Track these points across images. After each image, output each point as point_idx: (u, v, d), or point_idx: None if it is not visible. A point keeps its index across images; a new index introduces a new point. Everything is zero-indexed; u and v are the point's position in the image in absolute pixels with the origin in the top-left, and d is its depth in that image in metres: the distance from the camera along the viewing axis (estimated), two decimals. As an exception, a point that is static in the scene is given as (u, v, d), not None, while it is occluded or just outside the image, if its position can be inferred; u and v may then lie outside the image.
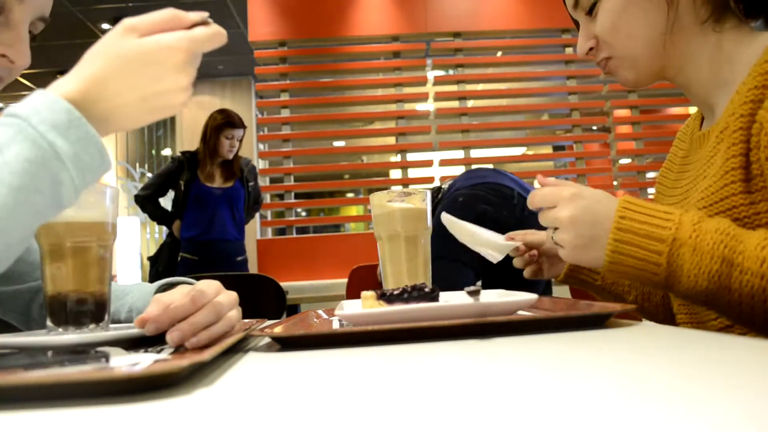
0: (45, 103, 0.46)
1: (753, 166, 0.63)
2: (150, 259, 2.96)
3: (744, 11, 0.72)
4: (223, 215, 2.85)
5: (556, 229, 0.67)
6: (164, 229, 2.97)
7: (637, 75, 0.78)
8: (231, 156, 2.82)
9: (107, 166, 0.50)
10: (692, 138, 0.82)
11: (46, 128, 0.45)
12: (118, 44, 0.50)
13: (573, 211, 0.65)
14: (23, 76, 6.51)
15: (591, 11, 0.77)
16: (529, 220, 1.53)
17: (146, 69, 0.50)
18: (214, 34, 0.53)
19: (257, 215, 3.34)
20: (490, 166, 1.83)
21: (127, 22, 0.50)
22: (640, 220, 0.61)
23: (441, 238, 1.58)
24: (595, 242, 0.64)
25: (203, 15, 0.53)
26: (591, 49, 0.79)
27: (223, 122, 2.77)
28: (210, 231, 2.82)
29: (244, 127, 2.85)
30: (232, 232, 2.89)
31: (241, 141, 2.86)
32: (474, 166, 3.75)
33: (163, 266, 2.80)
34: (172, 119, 7.03)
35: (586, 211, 0.65)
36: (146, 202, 2.83)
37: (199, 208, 2.80)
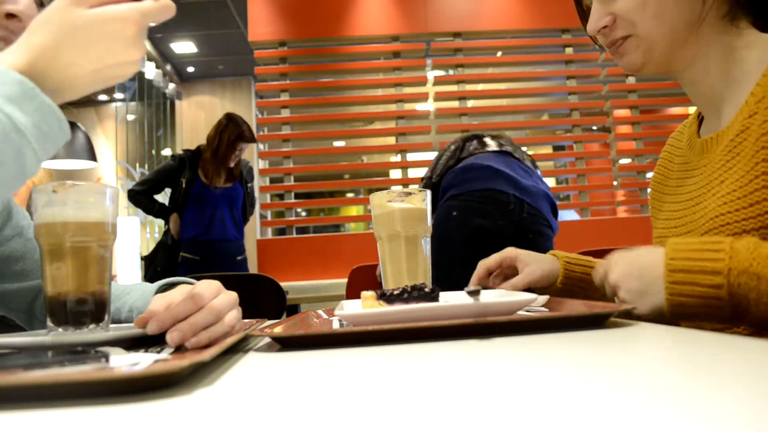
0: None
1: None
2: (145, 258, 2.96)
3: (756, 14, 0.71)
4: (223, 215, 2.86)
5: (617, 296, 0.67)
6: (164, 228, 2.98)
7: (647, 61, 0.75)
8: (233, 164, 2.86)
9: (66, 135, 0.51)
10: (691, 144, 0.80)
11: (1, 101, 0.45)
12: (66, 15, 0.49)
13: (619, 269, 0.65)
14: (23, 76, 6.49)
15: None
16: (528, 222, 1.52)
17: (97, 42, 0.49)
18: (163, 7, 0.53)
19: (257, 215, 3.35)
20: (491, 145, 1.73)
21: None
22: (691, 257, 0.58)
23: (438, 234, 1.56)
24: (649, 291, 0.62)
25: None
26: (604, 27, 0.75)
27: (238, 137, 2.80)
28: (210, 231, 2.83)
29: (255, 141, 2.89)
30: (232, 232, 2.90)
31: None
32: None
33: (161, 265, 2.81)
34: (173, 120, 7.03)
35: (631, 265, 0.64)
36: (140, 196, 2.83)
37: (199, 208, 2.82)
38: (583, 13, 0.82)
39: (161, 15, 0.53)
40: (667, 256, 0.60)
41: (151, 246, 3.70)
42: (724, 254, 0.56)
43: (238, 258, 2.95)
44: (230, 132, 2.81)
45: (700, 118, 0.82)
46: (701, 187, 0.74)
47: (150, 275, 2.85)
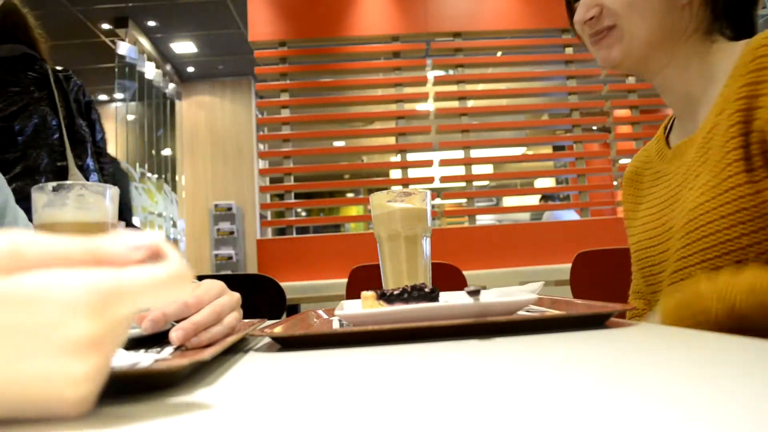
0: None
1: (755, 158, 0.66)
2: None
3: (732, 28, 0.78)
4: None
5: None
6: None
7: (625, 56, 0.79)
8: None
9: None
10: (661, 155, 0.86)
11: None
12: None
13: None
14: (23, 76, 6.50)
15: None
16: None
17: (3, 331, 0.25)
18: (160, 280, 0.28)
19: (257, 215, 3.29)
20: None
21: (11, 239, 0.27)
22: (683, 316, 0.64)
23: None
24: None
25: (153, 245, 0.29)
26: (591, 18, 0.80)
27: None
28: None
29: None
30: None
31: None
32: (474, 167, 3.77)
33: None
34: (173, 120, 7.03)
35: None
36: None
37: None
38: (571, 10, 0.87)
39: (167, 291, 0.28)
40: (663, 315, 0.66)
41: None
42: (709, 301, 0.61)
43: None
44: None
45: (667, 133, 0.88)
46: (676, 187, 0.79)
47: None
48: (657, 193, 0.84)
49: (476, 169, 3.84)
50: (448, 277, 1.97)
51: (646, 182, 0.89)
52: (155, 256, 0.29)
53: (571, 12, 0.87)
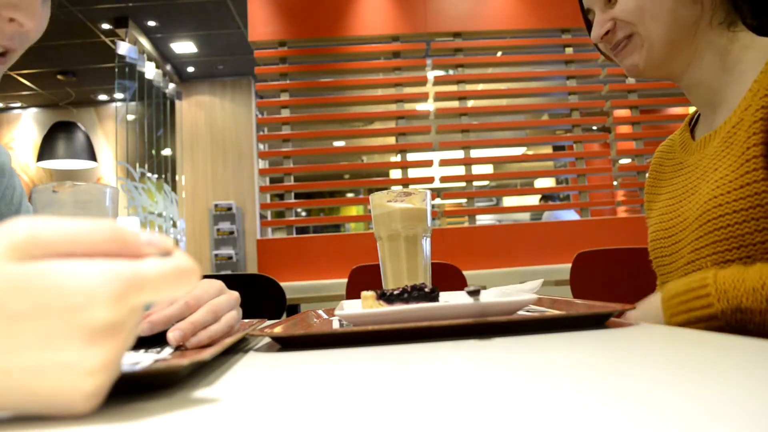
0: None
1: None
2: None
3: (753, 15, 0.76)
4: None
5: None
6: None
7: (648, 61, 0.80)
8: None
9: None
10: (684, 146, 0.86)
11: None
12: None
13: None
14: (23, 76, 6.51)
15: None
16: None
17: (25, 317, 0.26)
18: (174, 273, 0.29)
19: (257, 215, 3.32)
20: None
21: (22, 228, 0.27)
22: (684, 301, 0.63)
23: None
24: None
25: (165, 244, 0.30)
26: (606, 33, 0.81)
27: None
28: None
29: None
30: None
31: None
32: (474, 167, 3.77)
33: None
34: (173, 120, 7.03)
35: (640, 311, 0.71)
36: None
37: None
38: (589, 25, 0.88)
39: (173, 285, 0.29)
40: (663, 302, 0.66)
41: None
42: (712, 298, 0.60)
43: None
44: None
45: (692, 125, 0.88)
46: (696, 179, 0.78)
47: None
48: (676, 184, 0.84)
49: (476, 169, 3.84)
50: (448, 277, 1.97)
51: (667, 172, 0.89)
52: (165, 254, 0.30)
53: (589, 26, 0.88)
